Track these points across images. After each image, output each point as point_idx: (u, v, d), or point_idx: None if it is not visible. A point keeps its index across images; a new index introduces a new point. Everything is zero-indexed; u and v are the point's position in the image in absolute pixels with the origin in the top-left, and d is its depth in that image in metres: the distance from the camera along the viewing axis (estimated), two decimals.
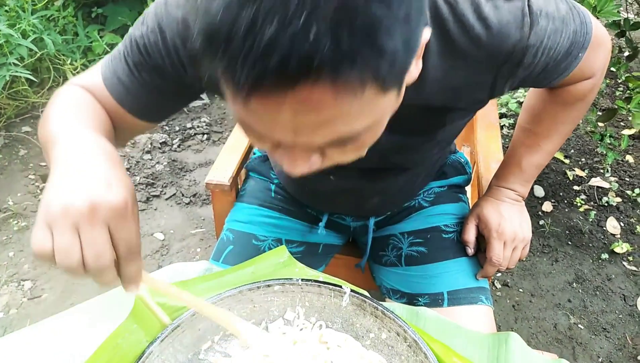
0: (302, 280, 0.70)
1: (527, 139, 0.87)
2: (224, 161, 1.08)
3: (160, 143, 2.18)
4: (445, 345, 0.66)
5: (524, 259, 0.94)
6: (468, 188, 1.09)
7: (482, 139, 1.20)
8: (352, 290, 0.68)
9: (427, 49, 0.59)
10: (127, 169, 2.06)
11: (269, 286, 0.70)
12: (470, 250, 0.89)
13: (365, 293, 0.69)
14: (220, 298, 0.68)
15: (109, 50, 2.34)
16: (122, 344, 0.64)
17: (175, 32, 0.62)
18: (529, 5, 0.59)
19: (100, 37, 2.40)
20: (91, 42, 2.36)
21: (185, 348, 0.66)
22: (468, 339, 0.69)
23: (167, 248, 1.72)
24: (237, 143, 1.13)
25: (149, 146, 2.16)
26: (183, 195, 1.94)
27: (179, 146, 2.19)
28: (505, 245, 0.85)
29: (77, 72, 2.32)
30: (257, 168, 1.04)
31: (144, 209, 1.88)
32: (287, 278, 0.71)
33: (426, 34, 0.47)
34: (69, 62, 2.28)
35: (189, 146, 2.21)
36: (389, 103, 0.46)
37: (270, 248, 0.94)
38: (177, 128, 2.29)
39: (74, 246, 0.47)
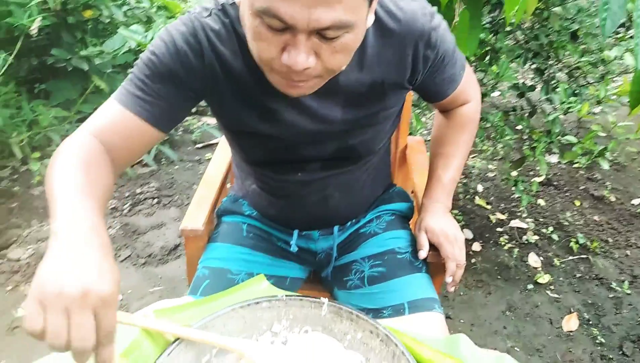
0: (286, 296, 0.81)
1: (440, 161, 1.11)
2: (196, 210, 1.19)
3: (111, 209, 2.23)
4: (433, 348, 0.78)
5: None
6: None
7: (418, 183, 1.39)
8: (328, 301, 0.81)
9: (367, 33, 0.82)
10: None
11: (257, 303, 0.80)
12: (424, 253, 1.03)
13: None
14: (215, 316, 0.78)
15: (56, 123, 2.40)
16: (135, 358, 0.72)
17: (183, 41, 0.80)
18: (429, 8, 0.87)
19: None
20: (36, 116, 2.41)
21: (188, 361, 0.75)
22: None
23: (127, 307, 1.75)
24: (205, 193, 1.24)
25: None
26: (138, 256, 1.99)
27: (129, 211, 2.25)
28: (452, 244, 1.01)
29: (23, 145, 2.35)
30: (229, 209, 1.16)
31: None
32: (272, 296, 0.82)
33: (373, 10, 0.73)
34: (14, 135, 2.31)
35: (140, 210, 2.27)
36: (363, 13, 0.68)
37: (243, 281, 1.04)
38: (126, 194, 2.35)
39: (64, 328, 0.52)
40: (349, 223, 1.14)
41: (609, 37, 2.25)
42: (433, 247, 1.05)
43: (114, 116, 0.83)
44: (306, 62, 0.68)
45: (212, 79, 0.86)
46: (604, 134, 3.04)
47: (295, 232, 1.11)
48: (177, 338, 0.73)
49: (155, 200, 2.34)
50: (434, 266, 1.10)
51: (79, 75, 2.47)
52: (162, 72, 0.82)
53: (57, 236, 0.59)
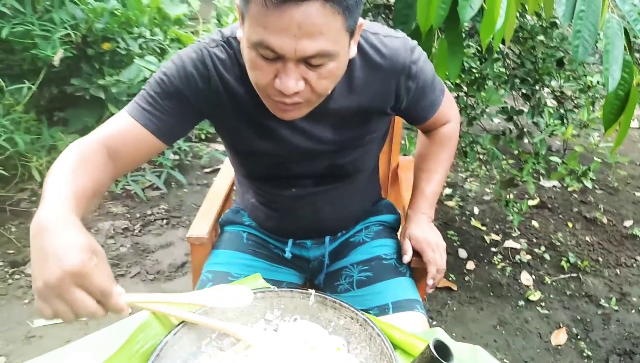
0: (278, 288, 0.92)
1: (423, 174, 1.22)
2: (201, 220, 1.31)
3: (122, 229, 2.35)
4: (407, 332, 0.87)
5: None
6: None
7: (407, 198, 1.51)
8: (315, 292, 0.92)
9: (354, 65, 0.95)
10: None
11: (253, 293, 0.92)
12: (408, 257, 1.13)
13: None
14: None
15: None
16: (144, 337, 0.83)
17: (192, 66, 0.94)
18: (410, 43, 0.99)
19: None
20: (55, 142, 2.57)
21: (191, 342, 0.85)
22: None
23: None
24: (210, 206, 1.36)
25: (112, 231, 2.33)
26: (147, 273, 2.10)
27: (140, 231, 2.37)
28: (433, 251, 1.12)
29: (43, 169, 2.50)
30: (231, 219, 1.27)
31: None
32: (266, 288, 0.93)
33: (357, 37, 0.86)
34: (34, 159, 2.46)
35: (150, 230, 2.39)
36: (345, 44, 0.80)
37: None
38: (137, 215, 2.48)
39: (66, 308, 0.62)
40: (340, 233, 1.25)
41: (594, 63, 2.39)
42: (417, 254, 1.16)
43: (123, 125, 0.94)
44: (295, 86, 0.81)
45: (216, 102, 0.98)
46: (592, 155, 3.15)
47: (290, 241, 1.22)
48: (182, 322, 0.84)
49: (165, 221, 2.47)
50: (418, 272, 1.21)
51: (96, 103, 2.63)
52: (171, 91, 0.94)
53: (31, 232, 0.67)
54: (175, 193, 2.72)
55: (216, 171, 2.97)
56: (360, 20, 0.84)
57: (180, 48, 2.79)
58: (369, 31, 0.96)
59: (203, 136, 3.23)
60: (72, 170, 0.80)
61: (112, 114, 2.55)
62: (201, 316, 0.85)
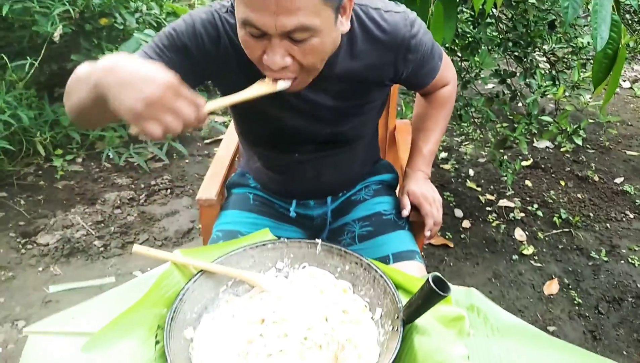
0: (287, 239, 0.99)
1: (421, 134, 1.28)
2: (209, 183, 1.37)
3: (129, 199, 2.42)
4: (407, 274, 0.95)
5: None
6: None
7: (405, 158, 1.58)
8: (322, 242, 0.99)
9: (356, 37, 1.00)
10: (101, 221, 2.28)
11: (264, 245, 0.98)
12: (406, 211, 1.20)
13: None
14: (230, 254, 0.95)
15: None
16: (166, 284, 0.90)
17: (201, 25, 0.98)
18: (410, 17, 1.03)
19: None
20: (57, 117, 2.62)
21: (209, 289, 0.92)
22: None
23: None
24: (217, 170, 1.42)
25: (118, 201, 2.39)
26: (155, 239, 2.18)
27: (145, 201, 2.44)
28: (430, 205, 1.19)
29: (46, 144, 2.55)
30: (237, 182, 1.34)
31: (120, 254, 2.09)
32: (276, 239, 1.00)
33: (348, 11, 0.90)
34: (37, 134, 2.51)
35: (155, 200, 2.46)
36: (328, 18, 0.84)
37: None
38: (142, 186, 2.54)
39: (172, 119, 0.70)
40: (341, 194, 1.32)
41: (586, 25, 2.43)
42: (415, 208, 1.23)
43: None
44: (282, 61, 0.86)
45: (225, 65, 1.03)
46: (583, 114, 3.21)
47: (294, 201, 1.29)
48: (200, 271, 0.91)
49: (169, 191, 2.53)
50: (416, 226, 1.28)
51: None
52: (178, 46, 0.98)
53: (103, 77, 0.73)
54: (177, 163, 2.78)
55: (216, 142, 3.03)
56: None
57: None
58: (370, 6, 1.01)
59: None
60: None
61: None
62: (218, 265, 0.92)
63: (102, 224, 2.26)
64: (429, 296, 0.75)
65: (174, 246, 2.16)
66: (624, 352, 1.76)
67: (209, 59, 1.01)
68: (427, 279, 0.74)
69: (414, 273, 1.15)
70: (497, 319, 0.92)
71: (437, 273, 0.76)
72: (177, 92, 0.70)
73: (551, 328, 1.83)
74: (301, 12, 0.80)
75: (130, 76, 0.70)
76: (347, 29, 0.93)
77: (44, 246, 2.12)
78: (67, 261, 2.06)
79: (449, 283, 0.76)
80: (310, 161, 1.19)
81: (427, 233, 1.21)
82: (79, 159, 2.72)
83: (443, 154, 2.94)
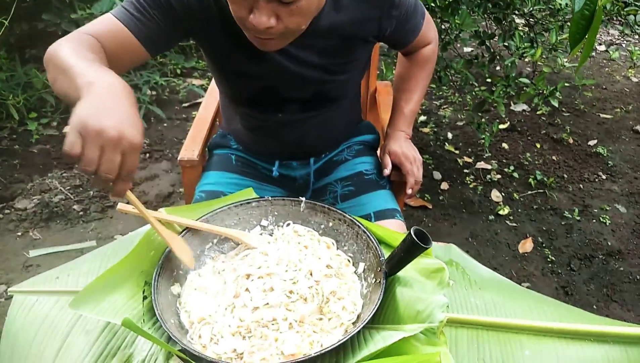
0: (271, 196, 1.00)
1: (402, 95, 1.29)
2: (191, 144, 1.36)
3: None
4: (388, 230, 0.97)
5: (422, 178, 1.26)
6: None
7: (385, 118, 1.59)
8: (305, 199, 1.00)
9: None
10: (79, 186, 2.25)
11: (248, 203, 0.99)
12: (388, 170, 1.22)
13: None
14: (215, 212, 0.96)
15: (49, 85, 2.53)
16: (152, 242, 0.91)
17: None
18: None
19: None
20: (30, 79, 2.54)
21: (194, 246, 0.92)
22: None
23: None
24: (198, 130, 1.42)
25: None
26: None
27: None
28: (411, 164, 1.21)
29: (20, 107, 2.48)
30: (219, 143, 1.33)
31: (101, 219, 2.08)
32: (260, 197, 1.01)
33: None
34: (10, 97, 2.45)
35: None
36: None
37: None
38: None
39: (96, 159, 0.63)
40: (323, 154, 1.32)
41: None
42: (396, 167, 1.25)
43: (111, 28, 0.92)
44: (268, 22, 0.85)
45: (208, 23, 1.01)
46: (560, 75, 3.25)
47: (277, 162, 1.29)
48: (185, 228, 0.92)
49: (147, 155, 2.51)
50: (396, 185, 1.31)
51: None
52: (162, 3, 0.95)
53: (89, 87, 0.68)
54: (156, 127, 2.74)
55: (194, 105, 2.99)
56: None
57: None
58: None
59: (179, 71, 3.21)
60: (89, 50, 0.82)
61: None
62: (203, 223, 0.93)
63: (81, 189, 2.23)
64: (410, 249, 0.77)
65: (154, 210, 2.15)
66: (594, 306, 1.84)
67: (192, 17, 0.99)
68: (409, 232, 0.76)
69: (395, 230, 1.19)
70: (475, 273, 0.96)
71: (419, 227, 0.78)
72: (127, 150, 0.65)
73: (525, 285, 1.90)
74: None
75: (116, 107, 0.66)
76: None
77: (22, 211, 2.09)
78: (47, 226, 2.04)
79: (430, 237, 0.79)
80: (294, 122, 1.19)
81: (409, 191, 1.23)
82: (54, 123, 2.66)
83: (422, 118, 2.96)
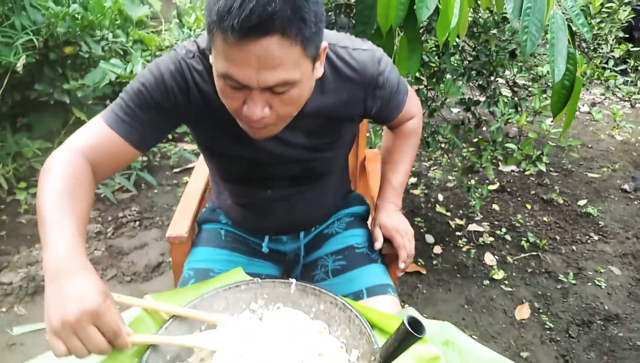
0: (261, 279, 0.98)
1: (390, 166, 1.30)
2: (179, 219, 1.35)
3: (95, 233, 2.36)
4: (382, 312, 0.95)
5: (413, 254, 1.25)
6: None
7: (375, 188, 1.59)
8: (296, 281, 0.98)
9: (325, 76, 1.01)
10: None
11: (237, 286, 0.96)
12: (379, 244, 1.20)
13: None
14: (202, 298, 0.94)
15: (40, 155, 2.54)
16: (139, 332, 0.87)
17: (171, 79, 0.97)
18: (377, 54, 1.04)
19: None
20: (20, 148, 2.55)
21: (182, 334, 0.90)
22: None
23: None
24: (187, 205, 1.40)
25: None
26: (124, 275, 2.12)
27: (113, 234, 2.38)
28: (402, 237, 1.19)
29: (9, 176, 2.47)
30: (208, 218, 1.32)
31: None
32: (249, 280, 0.99)
33: (322, 59, 0.91)
34: (0, 166, 2.44)
35: (123, 232, 2.41)
36: (307, 69, 0.84)
37: None
38: (109, 218, 2.48)
39: (79, 346, 0.70)
40: (313, 228, 1.31)
41: (545, 54, 2.52)
42: (387, 240, 1.24)
43: (102, 136, 0.97)
44: (261, 113, 0.86)
45: (195, 111, 1.02)
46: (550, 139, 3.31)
47: (266, 237, 1.28)
48: (173, 316, 0.89)
49: (137, 223, 2.48)
50: (388, 258, 1.29)
51: (59, 108, 2.61)
52: (150, 104, 0.97)
53: (47, 272, 0.74)
54: (146, 194, 2.73)
55: (186, 170, 3.00)
56: (324, 43, 0.88)
57: (143, 50, 2.79)
58: (337, 45, 1.02)
59: (170, 136, 3.23)
60: (70, 195, 0.85)
61: (78, 118, 2.56)
62: (190, 309, 0.90)
63: None
64: (404, 338, 0.75)
65: (143, 282, 2.11)
66: None
67: (180, 109, 1.01)
68: (402, 321, 0.74)
69: (388, 307, 1.16)
70: (471, 352, 0.93)
71: (412, 314, 0.76)
72: (95, 319, 0.71)
73: (524, 354, 1.85)
74: (282, 68, 0.79)
75: (65, 290, 0.71)
76: (321, 74, 0.94)
77: (8, 285, 2.04)
78: (32, 300, 1.99)
79: (424, 323, 0.77)
80: (283, 198, 1.19)
81: (402, 265, 1.22)
82: None
83: (413, 180, 2.97)
